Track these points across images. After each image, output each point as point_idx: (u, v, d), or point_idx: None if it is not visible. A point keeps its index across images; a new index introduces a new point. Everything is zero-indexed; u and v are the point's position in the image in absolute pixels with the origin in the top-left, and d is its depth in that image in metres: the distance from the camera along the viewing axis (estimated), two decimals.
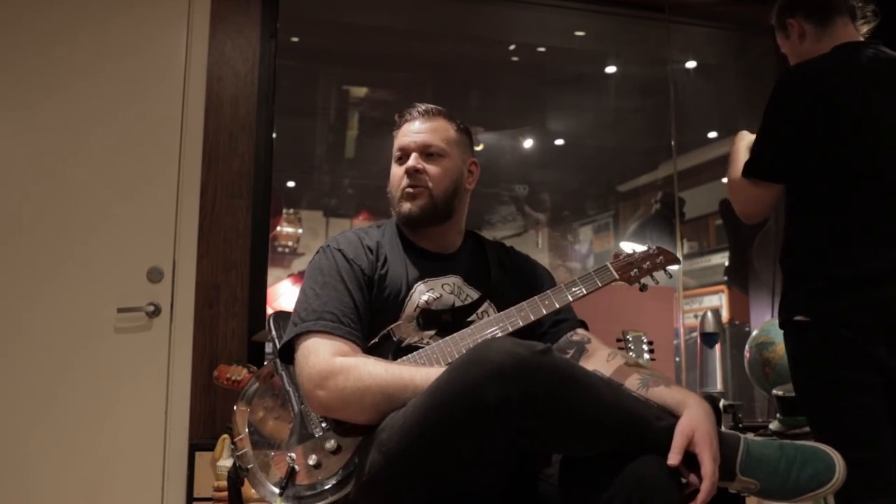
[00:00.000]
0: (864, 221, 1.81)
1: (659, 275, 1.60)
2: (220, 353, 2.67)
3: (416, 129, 1.62)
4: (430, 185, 1.59)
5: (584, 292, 1.51)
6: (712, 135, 4.53)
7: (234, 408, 1.51)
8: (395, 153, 1.65)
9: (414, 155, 1.60)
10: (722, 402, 2.56)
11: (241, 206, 2.79)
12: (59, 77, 2.69)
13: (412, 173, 1.59)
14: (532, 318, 1.49)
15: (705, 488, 1.18)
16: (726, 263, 4.30)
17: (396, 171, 1.63)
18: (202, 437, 2.60)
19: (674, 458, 1.19)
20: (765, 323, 2.99)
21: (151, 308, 2.63)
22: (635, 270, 1.56)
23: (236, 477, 2.11)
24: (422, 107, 1.66)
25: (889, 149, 1.83)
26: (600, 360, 1.49)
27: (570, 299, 1.51)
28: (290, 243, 4.62)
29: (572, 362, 1.36)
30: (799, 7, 1.99)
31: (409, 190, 1.59)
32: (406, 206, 1.59)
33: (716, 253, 4.77)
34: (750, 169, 1.88)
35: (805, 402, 1.91)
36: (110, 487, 2.55)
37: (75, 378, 2.57)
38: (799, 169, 1.84)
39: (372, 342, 1.50)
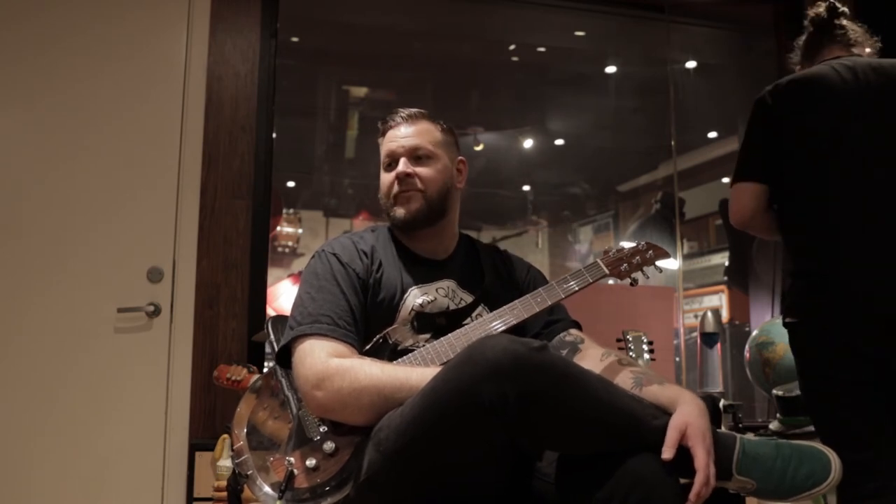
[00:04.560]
0: (846, 218, 1.84)
1: (650, 270, 1.61)
2: (220, 353, 2.67)
3: (402, 134, 1.63)
4: (422, 187, 1.60)
5: (576, 288, 1.52)
6: (712, 135, 4.53)
7: (242, 397, 1.52)
8: (384, 160, 1.65)
9: (403, 160, 1.61)
10: (722, 402, 2.55)
11: (241, 206, 2.79)
12: (59, 77, 2.69)
13: (403, 178, 1.59)
14: (525, 315, 1.49)
15: (699, 480, 1.18)
16: (726, 263, 4.30)
17: (386, 177, 1.63)
18: (202, 437, 2.60)
19: (667, 453, 1.20)
20: (765, 323, 2.99)
21: (151, 308, 2.63)
22: (625, 265, 1.57)
23: (235, 483, 2.11)
24: (404, 112, 1.66)
25: (862, 146, 1.85)
26: (594, 360, 1.49)
27: (563, 296, 1.52)
28: (290, 243, 4.63)
29: (568, 360, 1.37)
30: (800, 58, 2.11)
31: (402, 194, 1.60)
32: (400, 212, 1.60)
33: (716, 253, 4.78)
34: (733, 176, 2.00)
35: (804, 401, 1.95)
36: (110, 487, 2.55)
37: (75, 378, 2.57)
38: (776, 168, 1.92)
39: (367, 346, 1.50)
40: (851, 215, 1.83)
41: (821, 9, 2.03)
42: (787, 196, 1.94)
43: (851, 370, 1.80)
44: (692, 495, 1.18)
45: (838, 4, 2.03)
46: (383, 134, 1.67)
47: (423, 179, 1.60)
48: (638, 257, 1.59)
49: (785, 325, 1.92)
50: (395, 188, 1.60)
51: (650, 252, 1.60)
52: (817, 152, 1.88)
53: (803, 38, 2.07)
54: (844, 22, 2.01)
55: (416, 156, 1.61)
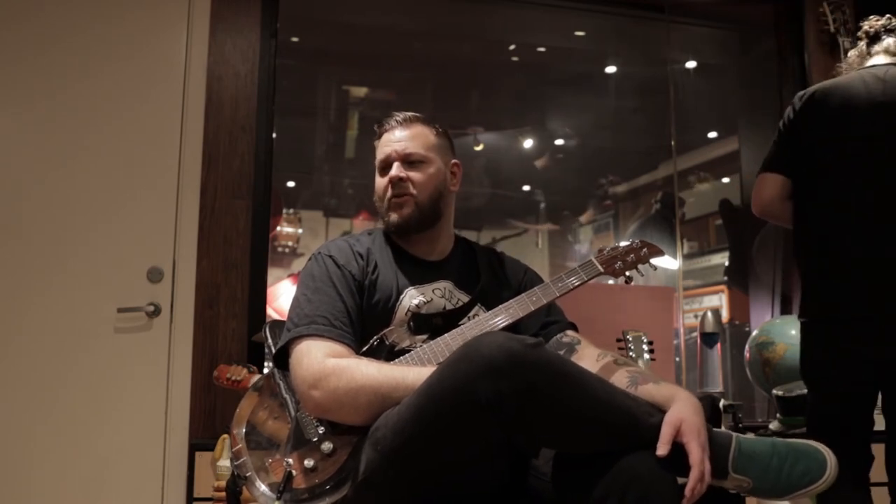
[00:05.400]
0: (847, 226, 1.91)
1: (649, 270, 1.63)
2: (220, 353, 2.67)
3: (395, 139, 1.64)
4: (415, 192, 1.61)
5: (571, 286, 1.53)
6: (712, 135, 4.53)
7: (243, 397, 1.53)
8: (378, 164, 1.67)
9: (396, 164, 1.62)
10: (722, 402, 2.55)
11: (241, 206, 2.79)
12: (59, 77, 2.70)
13: (396, 183, 1.61)
14: (521, 314, 1.50)
15: (694, 476, 1.18)
16: (726, 263, 4.30)
17: (380, 181, 1.65)
18: (202, 437, 2.60)
19: (662, 449, 1.20)
20: (765, 323, 2.99)
21: (151, 308, 2.63)
22: (619, 263, 1.59)
23: (234, 485, 2.11)
24: (399, 115, 1.67)
25: (869, 157, 1.91)
26: (590, 361, 1.49)
27: (558, 294, 1.52)
28: (290, 243, 4.63)
29: (564, 357, 1.37)
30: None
31: (395, 200, 1.61)
32: (393, 217, 1.62)
33: (716, 253, 4.78)
34: (760, 166, 2.09)
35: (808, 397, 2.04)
36: (110, 487, 2.55)
37: (75, 378, 2.57)
38: (794, 166, 2.00)
39: (365, 348, 1.51)
40: (853, 224, 1.89)
41: (878, 22, 2.09)
42: (799, 198, 2.01)
43: (852, 371, 1.85)
44: (687, 491, 1.18)
45: (893, 18, 2.08)
46: (379, 137, 1.69)
47: (416, 184, 1.61)
48: (632, 255, 1.60)
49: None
50: (389, 192, 1.62)
51: (644, 250, 1.62)
52: (825, 160, 1.95)
53: (854, 49, 2.12)
54: (894, 35, 2.06)
55: (408, 160, 1.62)
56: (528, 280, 1.70)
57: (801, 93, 2.04)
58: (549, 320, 1.62)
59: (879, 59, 2.03)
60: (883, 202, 1.88)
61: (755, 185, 2.10)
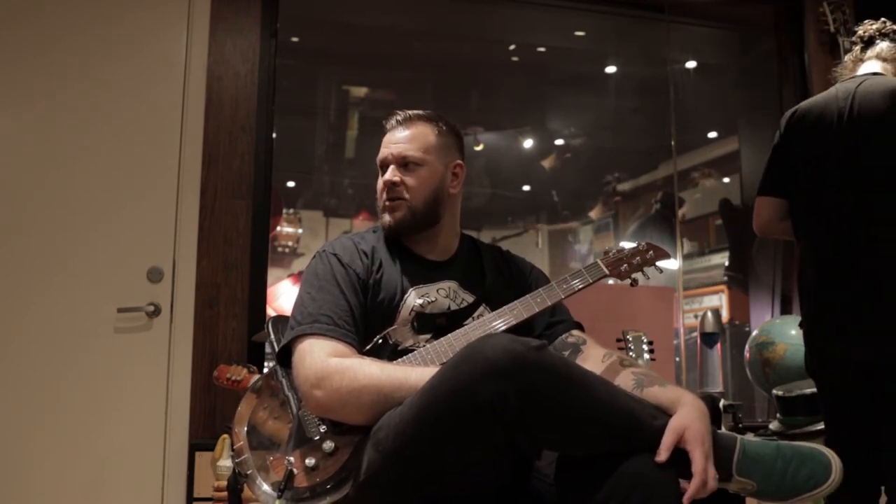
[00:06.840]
0: (824, 245, 1.95)
1: (650, 271, 1.62)
2: (220, 353, 2.67)
3: (394, 140, 1.63)
4: (408, 196, 1.59)
5: (576, 289, 1.52)
6: (712, 135, 4.54)
7: (243, 397, 1.53)
8: (378, 163, 1.66)
9: (391, 168, 1.61)
10: (722, 402, 2.55)
11: (241, 206, 2.79)
12: (59, 77, 2.69)
13: (390, 187, 1.60)
14: (525, 315, 1.49)
15: (695, 484, 1.18)
16: (726, 263, 4.30)
17: (379, 182, 1.64)
18: (202, 437, 2.60)
19: (662, 455, 1.20)
20: (765, 323, 2.99)
21: (151, 308, 2.63)
22: (625, 266, 1.58)
23: (236, 483, 2.11)
24: (401, 114, 1.65)
25: (839, 168, 1.93)
26: (595, 361, 1.49)
27: (562, 296, 1.52)
28: (290, 243, 4.63)
29: (568, 360, 1.37)
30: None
31: (388, 203, 1.60)
32: (386, 219, 1.61)
33: (716, 253, 4.78)
34: (758, 188, 2.14)
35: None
36: (110, 487, 2.55)
37: (75, 378, 2.57)
38: (785, 186, 2.05)
39: (368, 346, 1.50)
40: (828, 244, 1.94)
41: (872, 26, 2.10)
42: (793, 217, 2.06)
43: (841, 375, 1.92)
44: (685, 498, 1.17)
45: (888, 23, 2.09)
46: (384, 134, 1.67)
47: (409, 188, 1.60)
48: (638, 258, 1.59)
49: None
50: (383, 195, 1.61)
51: (650, 252, 1.61)
52: (808, 180, 1.98)
53: (850, 54, 2.13)
54: (888, 40, 2.07)
55: (404, 163, 1.61)
56: (534, 279, 1.68)
57: (787, 113, 2.07)
58: (554, 320, 1.61)
59: (869, 66, 2.04)
60: (857, 220, 1.89)
61: (754, 207, 2.15)
